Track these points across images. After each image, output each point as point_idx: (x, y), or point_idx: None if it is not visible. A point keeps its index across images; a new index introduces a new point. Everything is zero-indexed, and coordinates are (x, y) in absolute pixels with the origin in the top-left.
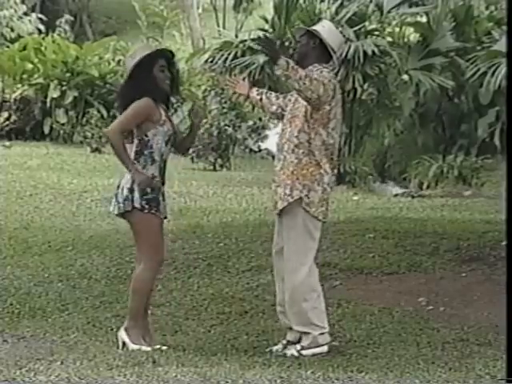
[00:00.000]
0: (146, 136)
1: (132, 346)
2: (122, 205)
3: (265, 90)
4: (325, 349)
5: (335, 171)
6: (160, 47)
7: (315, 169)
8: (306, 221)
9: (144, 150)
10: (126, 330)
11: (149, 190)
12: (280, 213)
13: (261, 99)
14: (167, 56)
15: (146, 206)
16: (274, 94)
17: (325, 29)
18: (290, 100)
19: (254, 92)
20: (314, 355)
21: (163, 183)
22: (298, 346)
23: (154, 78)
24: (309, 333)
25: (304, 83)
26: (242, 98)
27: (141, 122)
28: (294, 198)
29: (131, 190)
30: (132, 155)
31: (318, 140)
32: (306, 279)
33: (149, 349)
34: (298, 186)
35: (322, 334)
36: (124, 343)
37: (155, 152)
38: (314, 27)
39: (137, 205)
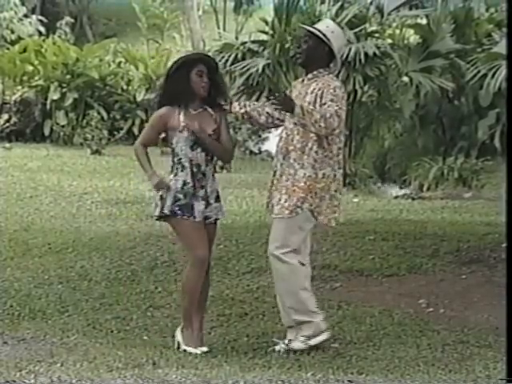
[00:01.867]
0: (172, 144)
1: (183, 347)
2: (156, 210)
3: (248, 102)
4: (328, 334)
5: (341, 172)
6: (200, 53)
7: (323, 177)
8: (305, 223)
9: (174, 158)
10: (181, 330)
11: (181, 196)
12: (276, 217)
13: (245, 112)
14: (207, 62)
15: (179, 212)
16: (258, 103)
17: (334, 34)
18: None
19: (237, 107)
20: (317, 349)
21: (202, 187)
22: (302, 338)
23: (188, 82)
24: (310, 321)
25: (320, 125)
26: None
27: (163, 131)
28: (304, 210)
29: (162, 197)
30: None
31: (335, 149)
32: (301, 269)
33: (198, 351)
34: (309, 198)
35: (322, 320)
36: (179, 343)
37: (182, 158)
38: (319, 27)
39: (166, 211)
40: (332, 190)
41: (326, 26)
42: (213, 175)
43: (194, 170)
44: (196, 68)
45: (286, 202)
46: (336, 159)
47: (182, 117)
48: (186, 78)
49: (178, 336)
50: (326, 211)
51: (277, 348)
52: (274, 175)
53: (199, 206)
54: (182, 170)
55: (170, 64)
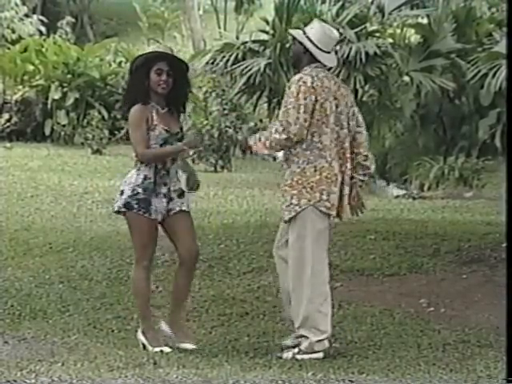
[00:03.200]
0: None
1: (151, 349)
2: (115, 205)
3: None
4: (320, 355)
5: (367, 161)
6: (160, 50)
7: (315, 170)
8: (318, 222)
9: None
10: (142, 332)
11: (140, 190)
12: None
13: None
14: (168, 59)
15: (135, 206)
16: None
17: (312, 30)
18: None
19: (260, 147)
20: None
21: (165, 184)
22: (296, 350)
23: (148, 81)
24: (307, 337)
25: (268, 147)
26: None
27: (146, 127)
28: (302, 207)
29: (122, 191)
30: None
31: (326, 140)
32: (311, 280)
33: (169, 350)
34: (305, 193)
35: (320, 340)
36: (144, 345)
37: None
38: (304, 29)
39: (122, 204)
40: (339, 180)
41: (310, 27)
42: (177, 173)
43: (159, 166)
44: (156, 66)
45: (283, 203)
46: (332, 150)
47: (154, 115)
48: (146, 75)
49: (142, 338)
50: (340, 205)
51: (284, 355)
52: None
53: (159, 202)
54: (145, 165)
55: (131, 60)
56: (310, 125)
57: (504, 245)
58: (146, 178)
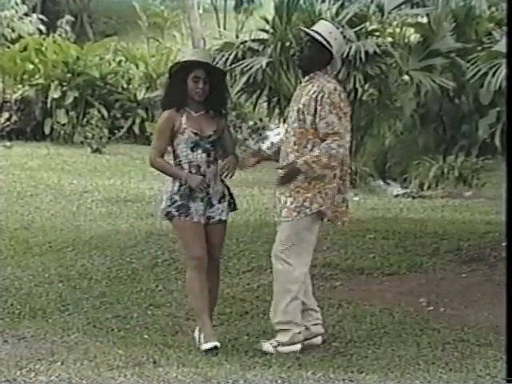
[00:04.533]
0: (173, 146)
1: (204, 346)
2: (159, 212)
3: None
4: (298, 347)
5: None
6: (200, 59)
7: (339, 179)
8: (312, 225)
9: (174, 160)
10: (199, 330)
11: (177, 197)
12: (284, 221)
13: (277, 149)
14: (205, 66)
15: (175, 213)
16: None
17: (336, 40)
18: (293, 110)
19: (267, 151)
20: (289, 352)
21: (208, 185)
22: (275, 343)
23: (186, 87)
24: (288, 330)
25: (332, 166)
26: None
27: (171, 135)
28: (313, 211)
29: (162, 199)
30: None
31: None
32: (297, 276)
33: (217, 343)
34: (319, 198)
35: (299, 332)
36: (199, 342)
37: (182, 160)
38: (320, 31)
39: (163, 213)
40: (341, 189)
41: (327, 30)
42: (216, 176)
43: (193, 171)
44: (193, 73)
45: (291, 204)
46: (344, 160)
47: (184, 119)
48: (183, 83)
49: (197, 336)
50: (336, 211)
51: (264, 347)
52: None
53: (197, 206)
54: (182, 171)
55: (170, 65)
56: None
57: (504, 244)
58: (181, 185)
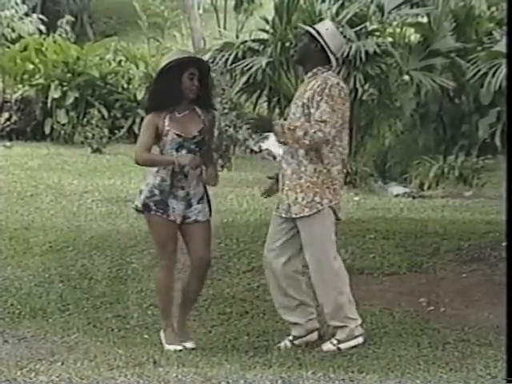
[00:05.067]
0: (159, 147)
1: (166, 347)
2: (135, 202)
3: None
4: (360, 340)
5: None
6: (193, 55)
7: (338, 173)
8: (326, 220)
9: None
10: (163, 330)
11: (157, 191)
12: (297, 217)
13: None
14: (198, 64)
15: (153, 208)
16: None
17: (328, 31)
18: (297, 105)
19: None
20: (351, 348)
21: (182, 188)
22: (335, 341)
23: (180, 85)
24: (346, 326)
25: (303, 142)
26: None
27: (156, 134)
28: (324, 206)
29: (141, 191)
30: None
31: (344, 145)
32: (338, 272)
33: (179, 347)
34: (328, 194)
35: (357, 326)
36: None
37: None
38: (317, 27)
39: (139, 204)
40: (342, 185)
41: (322, 24)
42: (199, 177)
43: (176, 169)
44: (188, 71)
45: (303, 199)
46: (345, 155)
47: (166, 121)
48: (178, 80)
49: (161, 336)
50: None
51: (282, 345)
52: (284, 176)
53: (177, 205)
54: (163, 168)
55: (162, 66)
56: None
57: (504, 244)
58: (162, 180)
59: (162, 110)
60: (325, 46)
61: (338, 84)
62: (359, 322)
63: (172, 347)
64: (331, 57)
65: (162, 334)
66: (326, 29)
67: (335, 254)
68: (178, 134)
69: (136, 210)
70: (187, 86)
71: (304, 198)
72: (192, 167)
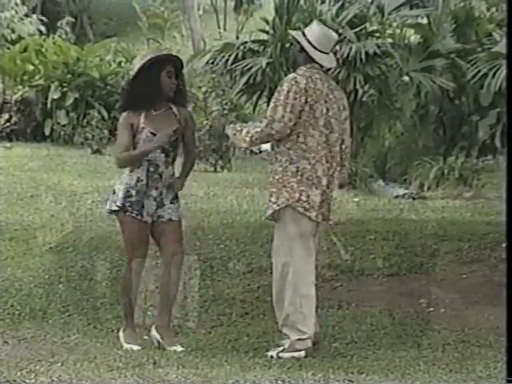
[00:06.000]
0: (134, 145)
1: (124, 346)
2: (108, 204)
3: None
4: (302, 354)
5: (344, 170)
6: (170, 52)
7: (297, 170)
8: (298, 223)
9: None
10: (123, 330)
11: (133, 192)
12: (272, 218)
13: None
14: (175, 62)
15: (129, 208)
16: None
17: (310, 30)
18: None
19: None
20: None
21: (156, 188)
22: (280, 348)
23: (159, 83)
24: (289, 337)
25: (245, 140)
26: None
27: (132, 132)
28: (280, 206)
29: (114, 191)
30: None
31: (312, 142)
32: (293, 282)
33: (138, 348)
34: (285, 193)
35: (301, 339)
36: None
37: (141, 159)
38: (303, 29)
39: (118, 204)
40: (323, 184)
41: (309, 27)
42: (172, 177)
43: (151, 169)
44: (166, 69)
45: (269, 201)
46: (316, 153)
47: (142, 118)
48: (157, 78)
49: (120, 335)
50: (319, 207)
51: (269, 353)
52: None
53: (150, 205)
54: (138, 167)
55: (141, 65)
56: (296, 125)
57: (504, 245)
58: (138, 179)
59: (140, 108)
60: (304, 46)
61: (292, 79)
62: (306, 336)
63: (129, 346)
64: (314, 55)
65: (120, 333)
66: (309, 28)
67: (303, 260)
68: (152, 132)
69: (110, 212)
70: (166, 83)
71: (269, 198)
72: (165, 143)
